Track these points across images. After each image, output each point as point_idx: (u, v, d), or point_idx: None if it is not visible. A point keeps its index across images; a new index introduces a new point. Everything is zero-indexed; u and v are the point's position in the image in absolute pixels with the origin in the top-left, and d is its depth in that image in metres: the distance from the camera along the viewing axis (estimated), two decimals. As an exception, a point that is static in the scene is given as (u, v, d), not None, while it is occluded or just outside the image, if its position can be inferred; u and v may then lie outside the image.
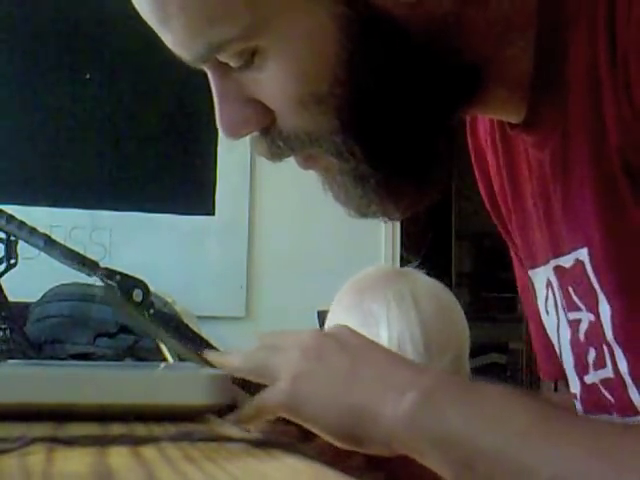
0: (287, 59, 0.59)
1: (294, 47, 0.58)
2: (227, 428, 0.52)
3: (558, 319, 0.69)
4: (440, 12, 0.58)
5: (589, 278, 0.61)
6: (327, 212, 2.58)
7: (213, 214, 2.48)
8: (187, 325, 0.73)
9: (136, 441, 0.40)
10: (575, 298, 0.65)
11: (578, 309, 0.65)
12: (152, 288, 1.10)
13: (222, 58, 0.61)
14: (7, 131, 2.40)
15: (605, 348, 0.63)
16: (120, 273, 1.07)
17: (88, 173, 2.43)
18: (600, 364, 0.64)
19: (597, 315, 0.62)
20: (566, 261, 0.64)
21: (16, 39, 2.43)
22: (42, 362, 0.95)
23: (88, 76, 2.45)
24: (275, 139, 0.63)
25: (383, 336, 1.00)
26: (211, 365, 0.66)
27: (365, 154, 0.61)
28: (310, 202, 2.60)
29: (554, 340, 0.71)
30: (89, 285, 1.60)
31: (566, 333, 0.68)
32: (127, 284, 1.05)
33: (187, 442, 0.41)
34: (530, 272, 0.74)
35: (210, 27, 0.58)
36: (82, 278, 1.23)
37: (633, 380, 0.61)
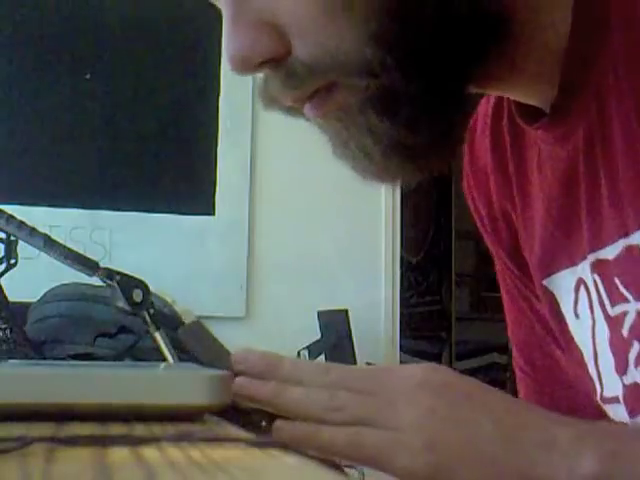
0: None
1: None
2: (227, 428, 0.52)
3: (593, 320, 0.66)
4: None
5: None
6: (327, 212, 2.59)
7: (213, 214, 2.48)
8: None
9: (136, 441, 0.40)
10: (622, 289, 0.61)
11: (625, 300, 0.62)
12: (152, 288, 1.10)
13: None
14: (7, 131, 2.40)
15: None
16: (120, 273, 1.07)
17: (88, 173, 2.43)
18: None
19: None
20: (610, 252, 0.61)
21: (16, 39, 2.43)
22: (42, 362, 0.95)
23: (88, 76, 2.45)
24: (291, 69, 0.56)
25: None
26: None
27: (399, 65, 0.54)
28: (310, 202, 2.60)
29: (586, 345, 0.67)
30: (89, 285, 1.60)
31: (604, 333, 0.65)
32: (127, 284, 1.06)
33: (187, 442, 0.41)
34: (545, 281, 0.70)
35: None
36: (82, 278, 1.23)
37: None
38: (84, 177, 2.43)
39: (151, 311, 1.08)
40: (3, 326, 1.21)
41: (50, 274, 1.53)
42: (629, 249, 0.60)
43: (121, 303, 1.07)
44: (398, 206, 2.69)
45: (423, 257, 4.10)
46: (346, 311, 2.41)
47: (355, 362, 2.40)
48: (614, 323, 0.64)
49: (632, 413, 0.64)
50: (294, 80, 0.56)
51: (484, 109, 0.75)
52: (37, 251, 1.11)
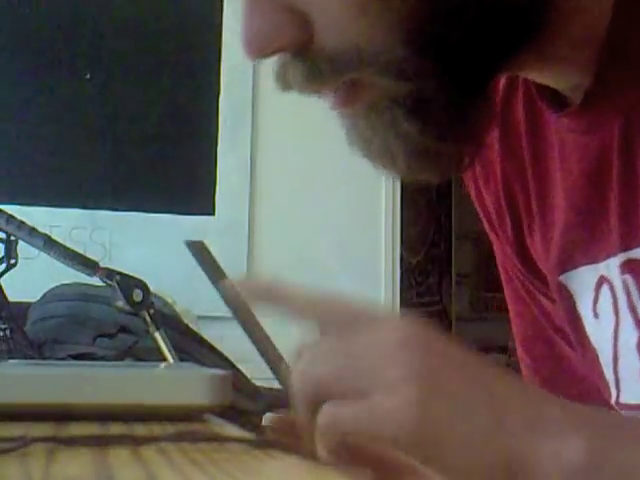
0: None
1: None
2: (227, 428, 0.52)
3: (617, 321, 0.62)
4: None
5: None
6: (327, 212, 2.59)
7: (213, 214, 2.48)
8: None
9: (136, 441, 0.40)
10: None
11: None
12: (152, 288, 1.10)
13: None
14: (7, 131, 2.40)
15: None
16: (120, 273, 1.07)
17: (88, 173, 2.43)
18: None
19: None
20: None
21: (16, 39, 2.43)
22: (42, 362, 0.95)
23: (88, 76, 2.45)
24: (315, 60, 0.51)
25: None
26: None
27: (433, 70, 0.51)
28: (310, 202, 2.60)
29: (604, 347, 0.64)
30: (89, 285, 1.59)
31: (631, 337, 0.61)
32: (127, 284, 1.06)
33: (187, 442, 0.41)
34: (562, 277, 0.66)
35: None
36: (82, 278, 1.23)
37: None
38: (84, 177, 2.43)
39: (151, 311, 1.08)
40: (3, 326, 1.21)
41: (50, 274, 1.52)
42: None
43: (121, 303, 1.07)
44: (398, 206, 2.69)
45: (423, 257, 4.10)
46: (346, 311, 2.41)
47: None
48: None
49: None
50: (317, 75, 0.52)
51: None
52: (37, 251, 1.11)
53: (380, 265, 2.64)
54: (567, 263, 0.66)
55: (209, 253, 0.65)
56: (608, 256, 0.61)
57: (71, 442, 0.39)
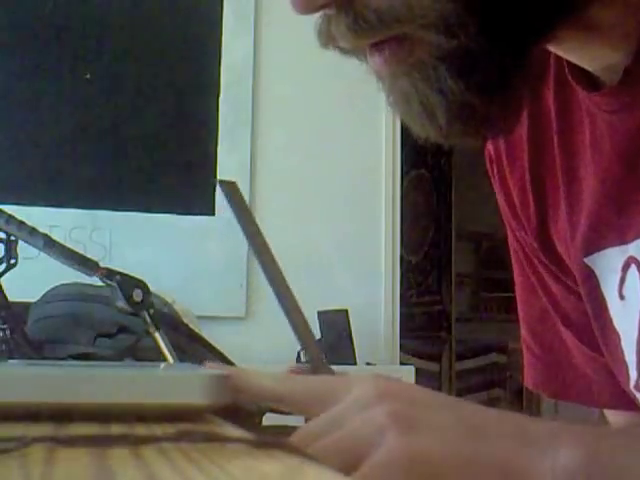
0: None
1: None
2: (227, 428, 0.52)
3: None
4: None
5: None
6: (327, 212, 2.59)
7: (213, 214, 2.48)
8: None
9: (136, 441, 0.40)
10: None
11: None
12: (152, 288, 1.10)
13: None
14: (7, 131, 2.40)
15: None
16: (120, 273, 1.07)
17: (88, 173, 2.43)
18: None
19: None
20: None
21: (16, 39, 2.43)
22: (42, 362, 0.95)
23: (88, 76, 2.45)
24: (360, 15, 0.51)
25: None
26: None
27: (480, 26, 0.50)
28: (310, 202, 2.60)
29: (627, 329, 0.63)
30: (89, 285, 1.59)
31: None
32: (127, 284, 1.06)
33: (187, 442, 0.41)
34: (588, 259, 0.65)
35: None
36: (82, 278, 1.23)
37: None
38: (84, 177, 2.43)
39: (151, 311, 1.08)
40: (3, 326, 1.21)
41: (50, 274, 1.52)
42: None
43: (121, 303, 1.07)
44: (398, 206, 2.69)
45: (423, 257, 4.10)
46: (346, 311, 2.41)
47: (355, 362, 2.40)
48: None
49: None
50: (362, 27, 0.51)
51: None
52: (37, 251, 1.11)
53: (380, 265, 2.64)
54: (593, 245, 0.65)
55: (240, 195, 0.65)
56: (637, 236, 0.61)
57: (71, 442, 0.39)
